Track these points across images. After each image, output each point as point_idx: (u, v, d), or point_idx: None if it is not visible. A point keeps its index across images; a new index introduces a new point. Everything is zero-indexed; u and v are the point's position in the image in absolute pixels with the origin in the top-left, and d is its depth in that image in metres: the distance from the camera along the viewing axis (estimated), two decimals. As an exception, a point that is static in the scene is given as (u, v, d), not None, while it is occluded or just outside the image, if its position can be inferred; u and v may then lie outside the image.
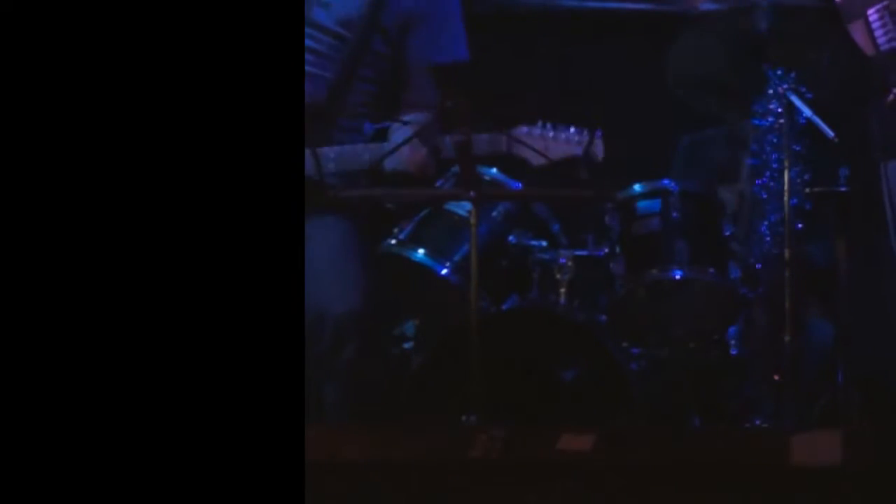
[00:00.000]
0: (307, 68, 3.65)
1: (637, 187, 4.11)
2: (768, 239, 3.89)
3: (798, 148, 3.95)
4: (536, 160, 3.69)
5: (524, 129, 3.72)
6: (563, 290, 4.07)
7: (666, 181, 4.14)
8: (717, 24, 4.16)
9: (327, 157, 3.65)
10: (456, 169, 3.83)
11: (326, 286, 3.65)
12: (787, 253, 3.87)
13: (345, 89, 3.74)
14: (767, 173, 3.91)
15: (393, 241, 4.07)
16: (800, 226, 3.91)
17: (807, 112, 3.93)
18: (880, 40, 3.39)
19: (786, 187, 3.88)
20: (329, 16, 3.76)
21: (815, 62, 3.96)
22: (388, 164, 3.69)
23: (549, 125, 3.72)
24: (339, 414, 3.77)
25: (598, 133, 3.70)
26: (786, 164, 3.90)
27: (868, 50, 3.40)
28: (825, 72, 3.70)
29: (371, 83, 3.81)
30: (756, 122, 4.01)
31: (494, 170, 4.03)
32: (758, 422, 3.86)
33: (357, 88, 3.78)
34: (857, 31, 3.42)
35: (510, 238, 4.13)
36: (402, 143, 3.55)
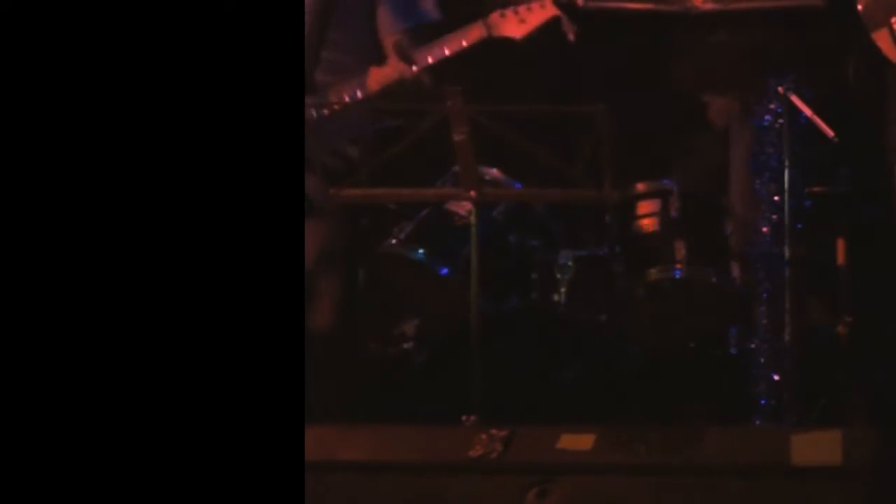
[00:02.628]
0: None
1: (637, 187, 4.12)
2: (768, 239, 3.89)
3: (798, 148, 3.95)
4: (519, 33, 3.70)
5: (497, 12, 3.73)
6: (563, 290, 4.07)
7: (666, 181, 4.15)
8: (718, 25, 4.16)
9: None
10: (456, 169, 3.83)
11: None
12: (787, 253, 3.87)
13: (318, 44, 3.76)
14: (767, 173, 3.91)
15: (393, 241, 4.07)
16: (800, 226, 3.91)
17: (807, 112, 3.93)
18: None
19: (786, 187, 3.88)
20: None
21: (837, 67, 3.97)
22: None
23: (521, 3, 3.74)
24: (339, 414, 3.77)
25: None
26: (786, 164, 3.90)
27: (893, 57, 3.41)
28: (851, 77, 3.71)
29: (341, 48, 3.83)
30: (756, 122, 4.01)
31: (494, 170, 4.03)
32: (758, 422, 3.86)
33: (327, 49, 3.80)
34: (881, 39, 3.43)
35: (510, 238, 4.13)
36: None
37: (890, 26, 3.42)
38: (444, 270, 4.00)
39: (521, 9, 3.72)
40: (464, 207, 3.89)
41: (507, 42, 3.72)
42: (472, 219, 3.48)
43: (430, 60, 3.67)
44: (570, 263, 4.09)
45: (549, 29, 3.74)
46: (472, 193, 3.47)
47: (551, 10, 3.72)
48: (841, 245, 4.00)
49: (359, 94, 3.70)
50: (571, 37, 3.72)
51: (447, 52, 3.66)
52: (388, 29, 3.85)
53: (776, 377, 3.85)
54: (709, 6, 5.48)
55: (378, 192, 3.63)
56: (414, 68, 3.65)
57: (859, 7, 3.48)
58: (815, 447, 2.75)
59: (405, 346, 4.36)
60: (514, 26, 3.68)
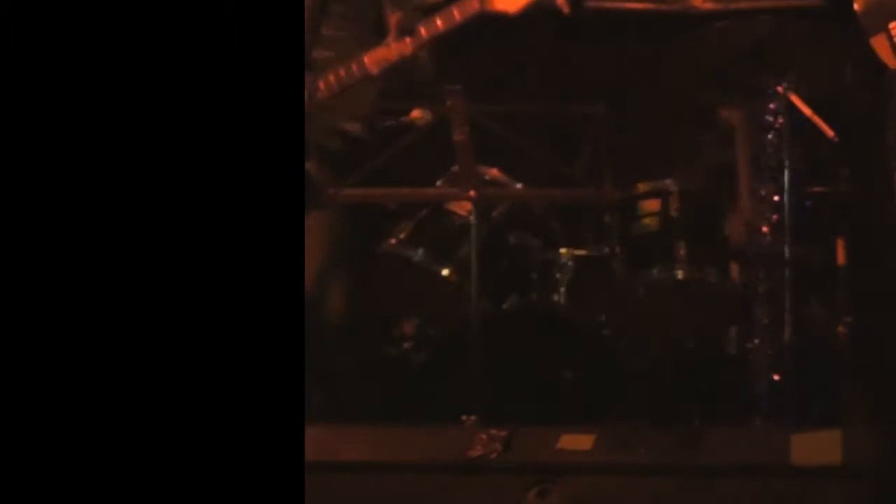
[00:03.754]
0: None
1: (637, 187, 4.12)
2: (768, 239, 3.88)
3: (798, 148, 3.94)
4: (513, 7, 3.63)
5: None
6: (563, 290, 4.07)
7: (666, 181, 4.15)
8: (718, 25, 4.16)
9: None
10: (456, 169, 3.82)
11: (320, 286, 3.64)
12: (787, 253, 3.87)
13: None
14: (767, 173, 3.91)
15: (393, 241, 4.07)
16: (800, 226, 3.90)
17: (807, 112, 3.93)
18: None
19: (786, 187, 3.88)
20: None
21: (836, 72, 3.97)
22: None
23: None
24: (337, 414, 3.77)
25: None
26: (786, 164, 3.89)
27: (891, 63, 3.41)
28: (849, 83, 3.70)
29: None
30: (756, 122, 4.01)
31: (495, 170, 4.03)
32: (758, 422, 3.86)
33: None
34: (879, 45, 3.43)
35: (510, 238, 4.13)
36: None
37: (888, 31, 3.41)
38: (445, 270, 4.00)
39: None
40: (464, 207, 3.89)
41: (502, 16, 3.64)
42: (472, 219, 3.48)
43: (423, 34, 3.61)
44: (570, 263, 4.09)
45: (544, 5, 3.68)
46: (472, 193, 3.46)
47: None
48: (841, 245, 3.99)
49: (356, 73, 3.64)
50: (566, 10, 3.66)
51: (440, 26, 3.60)
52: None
53: (776, 377, 3.84)
54: (709, 6, 5.49)
55: (378, 192, 3.63)
56: (408, 42, 3.58)
57: (856, 8, 3.47)
58: (815, 447, 2.75)
59: (405, 346, 4.37)
60: (508, 1, 3.62)
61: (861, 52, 3.70)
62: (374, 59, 3.61)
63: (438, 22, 3.58)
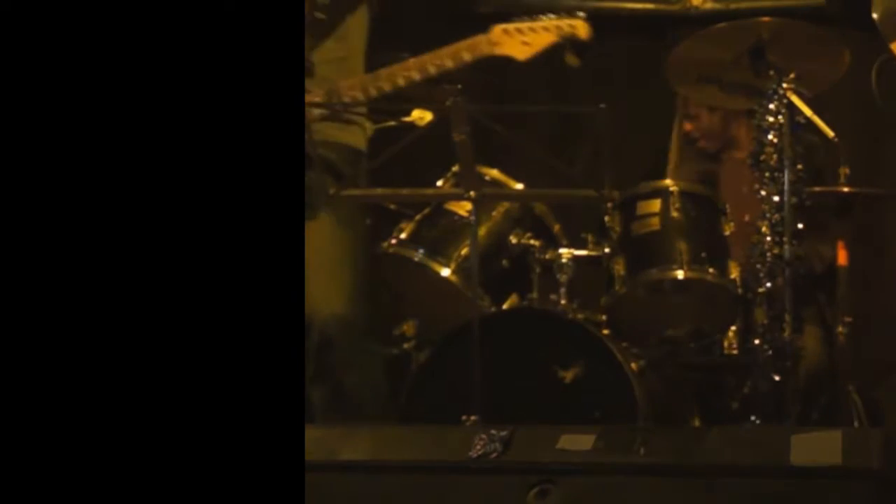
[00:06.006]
0: None
1: (637, 187, 4.12)
2: (768, 239, 3.88)
3: (798, 148, 3.94)
4: (523, 55, 3.67)
5: (501, 28, 3.69)
6: (563, 290, 4.07)
7: (666, 181, 4.14)
8: (718, 25, 4.15)
9: None
10: (456, 169, 3.83)
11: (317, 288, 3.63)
12: (787, 253, 3.86)
13: None
14: (767, 173, 3.91)
15: (393, 241, 4.07)
16: (800, 226, 3.90)
17: (807, 112, 3.93)
18: None
19: (786, 187, 3.88)
20: None
21: (836, 72, 3.96)
22: None
23: (525, 19, 3.71)
24: (336, 415, 3.77)
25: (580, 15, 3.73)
26: (786, 164, 3.89)
27: None
28: (848, 83, 3.70)
29: None
30: (756, 122, 4.01)
31: (495, 170, 4.03)
32: (758, 422, 3.85)
33: None
34: None
35: (510, 238, 4.13)
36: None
37: None
38: (445, 270, 4.01)
39: (525, 28, 3.69)
40: (464, 207, 3.89)
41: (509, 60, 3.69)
42: (472, 219, 3.48)
43: (432, 72, 3.64)
44: (569, 263, 4.08)
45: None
46: (472, 193, 3.47)
47: (555, 37, 3.70)
48: (841, 245, 3.99)
49: (363, 95, 3.67)
50: (574, 63, 3.70)
51: (450, 65, 3.64)
52: None
53: (776, 377, 3.84)
54: (709, 6, 5.49)
55: (378, 192, 3.63)
56: (417, 77, 3.62)
57: (875, 16, 3.47)
58: (815, 447, 2.75)
59: (405, 346, 4.37)
60: (517, 47, 3.66)
61: (860, 53, 3.71)
62: (389, 79, 3.65)
63: (448, 62, 3.61)
